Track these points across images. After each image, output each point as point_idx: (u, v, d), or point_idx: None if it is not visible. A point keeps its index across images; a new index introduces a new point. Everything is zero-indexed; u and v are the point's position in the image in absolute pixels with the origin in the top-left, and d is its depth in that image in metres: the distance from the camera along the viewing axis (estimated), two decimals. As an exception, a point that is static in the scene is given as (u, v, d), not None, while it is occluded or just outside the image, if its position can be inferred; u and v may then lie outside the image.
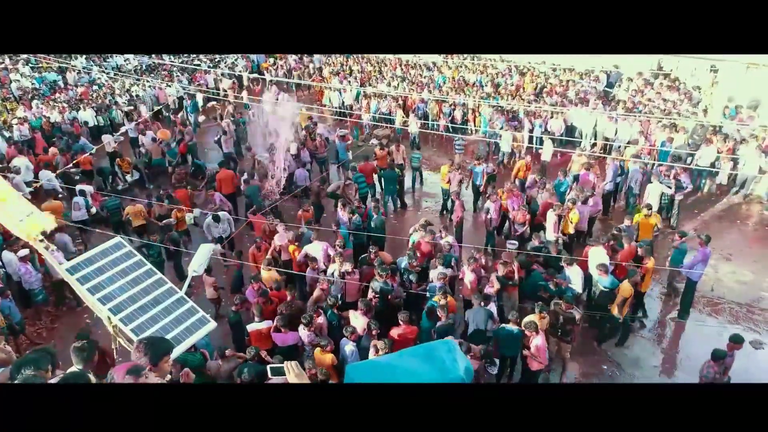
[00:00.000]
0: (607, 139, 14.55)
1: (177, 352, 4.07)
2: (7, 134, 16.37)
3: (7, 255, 9.54)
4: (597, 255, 8.72)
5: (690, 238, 9.69)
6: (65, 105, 18.90)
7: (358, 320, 7.27)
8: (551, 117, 15.70)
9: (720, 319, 9.23)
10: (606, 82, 17.89)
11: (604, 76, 17.93)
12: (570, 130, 15.89)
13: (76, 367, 3.48)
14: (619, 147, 14.36)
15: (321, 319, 7.35)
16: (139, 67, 24.83)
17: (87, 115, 18.24)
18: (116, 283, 4.20)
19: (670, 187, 11.11)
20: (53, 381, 3.49)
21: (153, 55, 26.39)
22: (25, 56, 23.23)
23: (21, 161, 13.20)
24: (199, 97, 19.75)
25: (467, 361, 4.94)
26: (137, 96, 20.56)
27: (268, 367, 3.27)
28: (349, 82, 20.90)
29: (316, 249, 8.86)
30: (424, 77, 20.73)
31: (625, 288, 8.05)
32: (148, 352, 2.91)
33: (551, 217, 10.18)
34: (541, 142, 15.74)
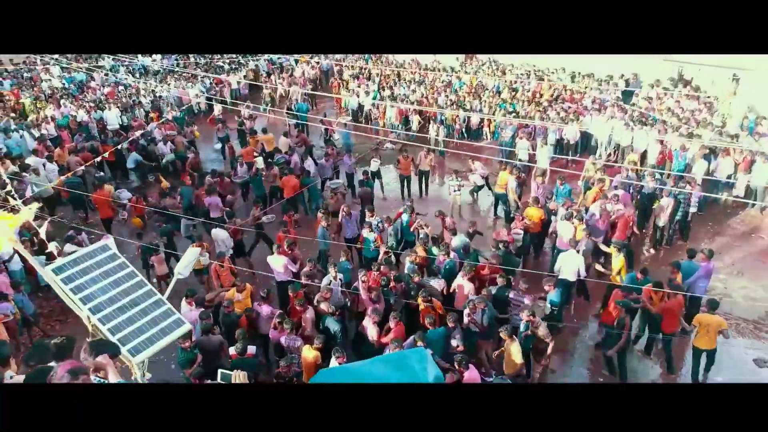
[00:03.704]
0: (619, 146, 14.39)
1: (150, 352, 4.28)
2: (36, 133, 16.96)
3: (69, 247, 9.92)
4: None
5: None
6: (92, 104, 19.51)
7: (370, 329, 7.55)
8: (566, 124, 15.56)
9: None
10: (625, 88, 17.63)
11: (623, 83, 17.68)
12: (586, 137, 15.73)
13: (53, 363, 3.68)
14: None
15: (308, 314, 7.62)
16: (163, 69, 25.39)
17: (112, 115, 18.79)
18: (98, 284, 4.42)
19: (681, 201, 10.89)
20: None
21: (179, 57, 27.08)
22: (56, 56, 24.03)
23: (36, 160, 13.73)
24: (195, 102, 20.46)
25: (438, 369, 5.03)
26: (160, 97, 21.10)
27: (219, 371, 3.42)
28: (368, 85, 21.04)
29: (277, 262, 8.96)
30: (442, 82, 20.75)
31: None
32: (93, 353, 3.11)
33: (565, 225, 10.05)
34: (558, 150, 15.69)
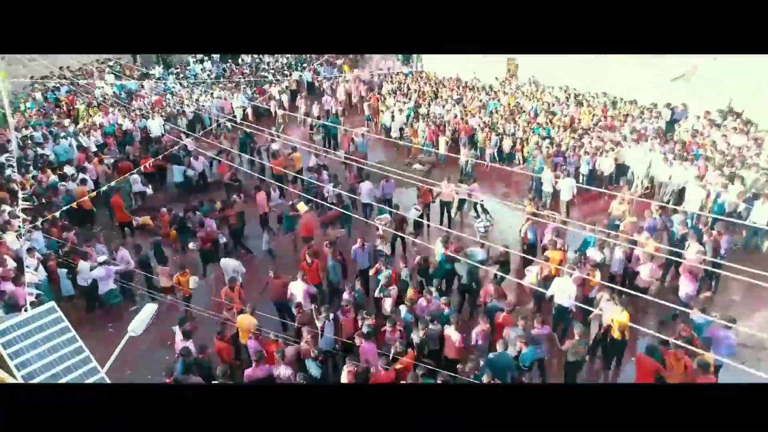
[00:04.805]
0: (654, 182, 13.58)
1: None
2: (83, 140, 17.79)
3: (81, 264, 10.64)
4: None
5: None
6: (137, 113, 20.32)
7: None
8: (600, 155, 14.86)
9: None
10: (670, 118, 16.63)
11: (668, 113, 16.68)
12: (621, 170, 14.97)
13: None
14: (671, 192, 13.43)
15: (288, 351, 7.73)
16: (210, 78, 26.08)
17: (155, 124, 19.48)
18: (37, 349, 4.55)
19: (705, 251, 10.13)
20: None
21: (225, 65, 27.87)
22: (111, 63, 25.19)
23: (69, 169, 14.48)
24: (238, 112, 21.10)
25: None
26: (203, 106, 21.71)
27: None
28: (404, 102, 20.80)
29: (298, 288, 8.98)
30: (480, 101, 20.30)
31: None
32: None
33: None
34: (589, 181, 15.03)
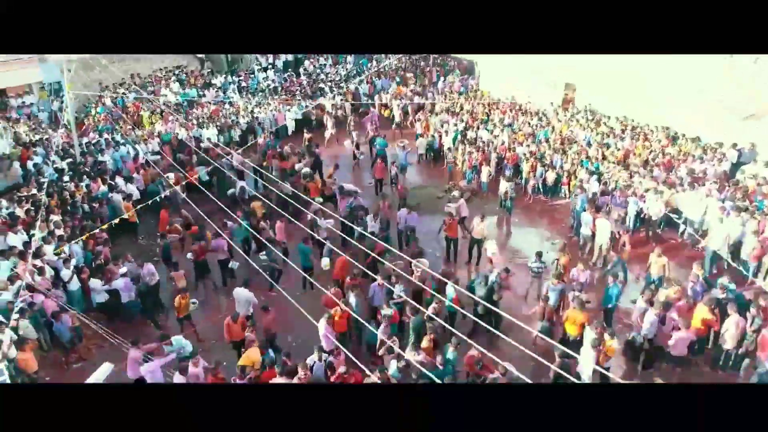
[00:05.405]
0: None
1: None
2: (140, 148, 18.55)
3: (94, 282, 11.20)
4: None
5: None
6: (194, 122, 21.02)
7: None
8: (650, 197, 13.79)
9: None
10: (737, 160, 15.19)
11: (734, 154, 15.23)
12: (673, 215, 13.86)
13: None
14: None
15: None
16: (269, 88, 26.54)
17: (210, 134, 20.06)
18: None
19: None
20: None
21: (286, 74, 28.42)
22: (176, 72, 26.27)
23: (120, 180, 15.20)
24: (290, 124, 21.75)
25: None
26: (256, 118, 22.16)
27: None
28: (456, 123, 20.27)
29: (321, 327, 8.97)
30: (532, 126, 19.50)
31: None
32: None
33: (589, 335, 8.88)
34: (637, 225, 14.02)
